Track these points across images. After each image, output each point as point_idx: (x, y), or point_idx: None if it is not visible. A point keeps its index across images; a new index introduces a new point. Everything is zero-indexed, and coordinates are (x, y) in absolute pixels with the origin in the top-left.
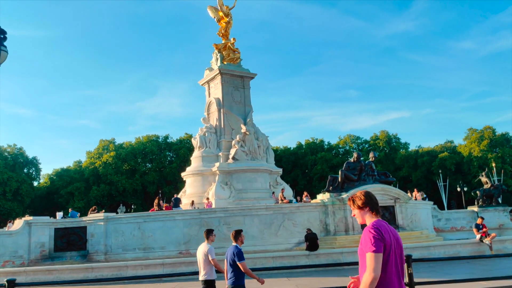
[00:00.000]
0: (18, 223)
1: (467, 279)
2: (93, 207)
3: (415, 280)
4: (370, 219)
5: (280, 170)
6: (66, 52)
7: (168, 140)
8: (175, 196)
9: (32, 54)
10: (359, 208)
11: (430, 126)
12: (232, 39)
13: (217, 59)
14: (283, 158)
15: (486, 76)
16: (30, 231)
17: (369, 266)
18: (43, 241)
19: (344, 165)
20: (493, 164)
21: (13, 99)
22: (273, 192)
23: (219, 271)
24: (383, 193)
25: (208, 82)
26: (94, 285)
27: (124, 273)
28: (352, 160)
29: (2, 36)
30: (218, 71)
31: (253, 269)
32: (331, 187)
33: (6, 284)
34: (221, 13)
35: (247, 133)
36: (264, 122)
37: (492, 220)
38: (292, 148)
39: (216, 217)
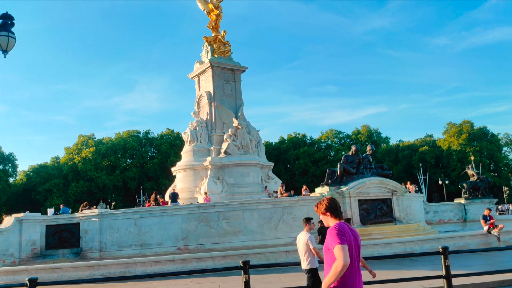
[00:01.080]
0: (8, 220)
1: (498, 271)
2: (85, 203)
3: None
4: (332, 222)
5: (271, 164)
6: (39, 45)
7: (149, 136)
8: (172, 191)
9: None
10: (322, 213)
11: (407, 121)
12: (222, 32)
13: (207, 52)
14: (266, 153)
15: (460, 72)
16: (21, 228)
17: (339, 256)
18: (34, 239)
19: (342, 158)
20: (472, 158)
21: None
22: (266, 187)
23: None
24: (381, 186)
25: (198, 75)
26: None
27: (133, 270)
28: (350, 153)
29: (9, 22)
30: (209, 64)
31: (267, 265)
32: (329, 181)
33: (28, 283)
34: (211, 5)
35: (239, 127)
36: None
37: (478, 212)
38: (274, 143)
39: (215, 211)
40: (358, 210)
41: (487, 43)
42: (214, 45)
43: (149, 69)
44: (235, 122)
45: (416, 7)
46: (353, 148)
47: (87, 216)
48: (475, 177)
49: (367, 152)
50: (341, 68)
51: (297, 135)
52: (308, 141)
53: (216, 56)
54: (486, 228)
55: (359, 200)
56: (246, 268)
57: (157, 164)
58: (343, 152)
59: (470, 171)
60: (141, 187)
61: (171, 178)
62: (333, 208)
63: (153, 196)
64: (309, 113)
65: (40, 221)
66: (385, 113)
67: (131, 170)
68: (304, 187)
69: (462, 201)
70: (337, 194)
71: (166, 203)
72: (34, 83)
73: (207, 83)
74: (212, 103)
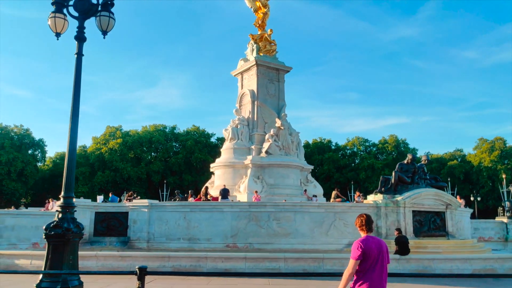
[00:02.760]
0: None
1: None
2: (130, 193)
3: None
4: (362, 235)
5: (311, 168)
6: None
7: (175, 131)
8: (223, 186)
9: (30, 36)
10: (359, 226)
11: (428, 133)
12: (269, 30)
13: (252, 50)
14: None
15: (487, 87)
16: None
17: (348, 266)
18: (84, 225)
19: (397, 166)
20: (504, 176)
21: (10, 80)
22: (305, 190)
23: None
24: (436, 198)
25: (241, 73)
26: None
27: (204, 264)
28: (405, 161)
29: (110, 2)
30: (254, 62)
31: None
32: (383, 188)
33: (138, 271)
34: (258, 3)
35: (282, 127)
36: None
37: None
38: None
39: (266, 211)
40: (412, 222)
41: None
42: (260, 43)
43: (172, 65)
44: (278, 123)
45: (446, 18)
46: (409, 156)
47: (137, 206)
48: None
49: (422, 162)
50: (365, 76)
51: (322, 140)
52: (333, 147)
53: (261, 54)
54: None
55: (413, 211)
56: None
57: (181, 159)
58: (368, 161)
59: None
60: (165, 181)
61: (194, 174)
62: (367, 223)
63: (203, 191)
64: (329, 120)
65: (90, 208)
66: (407, 124)
67: (156, 163)
68: (357, 193)
69: (504, 219)
70: (392, 203)
71: (216, 199)
72: (60, 73)
73: (250, 81)
74: (255, 102)
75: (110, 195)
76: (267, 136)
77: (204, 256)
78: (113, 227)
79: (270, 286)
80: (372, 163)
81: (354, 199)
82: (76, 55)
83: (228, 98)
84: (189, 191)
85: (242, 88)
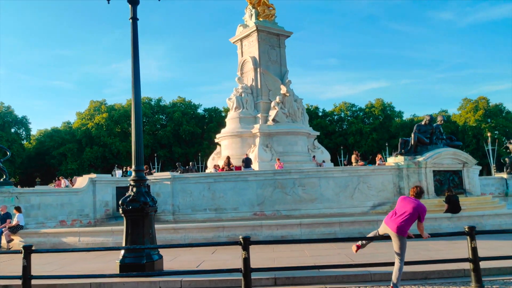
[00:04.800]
0: (81, 181)
1: None
2: (144, 166)
3: None
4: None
5: (317, 134)
6: (37, 10)
7: (160, 103)
8: (246, 156)
9: (1, 11)
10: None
11: (410, 96)
12: None
13: (251, 15)
14: None
15: (464, 48)
16: (95, 189)
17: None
18: (107, 200)
19: (415, 127)
20: (488, 134)
21: None
22: (314, 156)
23: None
24: (454, 157)
25: (241, 39)
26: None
27: (259, 232)
28: (423, 123)
29: None
30: (254, 28)
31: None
32: (403, 150)
33: (242, 241)
34: None
35: (287, 94)
36: None
37: None
38: None
39: (291, 178)
40: (433, 181)
41: (492, 19)
42: (258, 8)
43: (148, 36)
44: (283, 89)
45: None
46: (427, 117)
47: (159, 179)
48: None
49: (438, 122)
50: (343, 41)
51: (310, 107)
52: (320, 113)
53: (261, 19)
54: None
55: (433, 171)
56: None
57: (169, 132)
58: (356, 126)
59: (511, 146)
60: (155, 155)
61: (184, 147)
62: (413, 193)
63: (226, 160)
64: (310, 86)
65: (111, 183)
66: (387, 87)
67: (144, 137)
68: (379, 156)
69: (504, 175)
70: (413, 164)
71: (239, 168)
72: (31, 48)
73: (251, 48)
74: (258, 69)
75: (128, 169)
76: (273, 104)
77: (259, 224)
78: None
79: (338, 250)
80: (360, 127)
81: (351, 162)
82: (131, 20)
83: (211, 67)
84: (224, 161)
85: (242, 55)
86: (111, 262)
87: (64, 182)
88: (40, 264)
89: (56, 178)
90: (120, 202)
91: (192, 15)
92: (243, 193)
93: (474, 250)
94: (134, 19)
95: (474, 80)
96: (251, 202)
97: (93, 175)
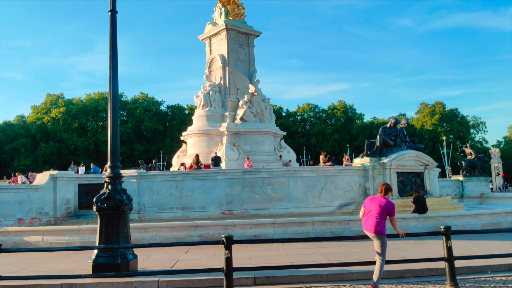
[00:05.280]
0: (41, 177)
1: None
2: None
3: None
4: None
5: (283, 134)
6: None
7: (122, 99)
8: (215, 154)
9: None
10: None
11: (370, 98)
12: None
13: (220, 13)
14: None
15: (421, 54)
16: (56, 186)
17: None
18: (68, 198)
19: (380, 130)
20: (444, 138)
21: None
22: (280, 156)
23: None
24: (417, 159)
25: (210, 37)
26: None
27: (232, 231)
28: (388, 125)
29: None
30: (224, 26)
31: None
32: (368, 152)
33: (225, 240)
34: None
35: (255, 93)
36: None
37: (474, 189)
38: None
39: (260, 177)
40: (397, 182)
41: (448, 28)
42: (228, 7)
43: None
44: (252, 89)
45: None
46: (392, 120)
47: (124, 176)
48: (473, 156)
49: (402, 125)
50: (307, 42)
51: (274, 107)
52: (284, 114)
53: (230, 18)
54: None
55: (397, 172)
56: None
57: (130, 128)
58: (319, 127)
59: (468, 150)
60: None
61: (145, 144)
62: (382, 190)
63: (194, 159)
64: (273, 86)
65: (73, 180)
66: (348, 90)
67: (103, 133)
68: (346, 157)
69: (460, 178)
70: (378, 165)
71: (208, 166)
72: None
73: (220, 46)
74: (226, 68)
75: (91, 166)
76: (241, 103)
77: (232, 224)
78: None
79: (312, 250)
80: (323, 128)
81: (322, 162)
82: (110, 12)
83: (175, 64)
84: (193, 159)
85: (211, 53)
86: (80, 262)
87: (21, 178)
88: (3, 264)
89: (12, 174)
90: (94, 200)
91: (156, 10)
92: (212, 191)
93: (449, 249)
94: (113, 12)
95: (430, 85)
96: (219, 201)
97: (54, 172)
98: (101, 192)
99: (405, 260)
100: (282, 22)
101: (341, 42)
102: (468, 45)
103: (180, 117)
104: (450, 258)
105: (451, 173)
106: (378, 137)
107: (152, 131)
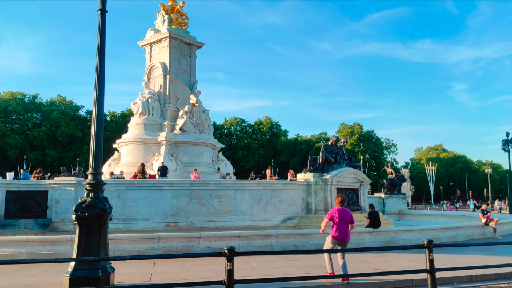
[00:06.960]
0: None
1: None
2: (38, 169)
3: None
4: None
5: (222, 146)
6: None
7: (36, 101)
8: (161, 164)
9: None
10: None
11: (290, 116)
12: (181, 2)
13: (163, 20)
14: None
15: (338, 77)
16: None
17: (322, 223)
18: None
19: (322, 147)
20: (361, 157)
21: None
22: (218, 168)
23: None
24: (354, 176)
25: (150, 44)
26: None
27: (197, 244)
28: (330, 143)
29: None
30: (167, 34)
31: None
32: (311, 167)
33: (227, 252)
34: None
35: (196, 104)
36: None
37: (394, 206)
38: None
39: (208, 189)
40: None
41: (363, 55)
42: (171, 15)
43: (19, 25)
44: (193, 99)
45: (308, 9)
46: (333, 138)
47: (60, 184)
48: (393, 175)
49: (341, 143)
50: (231, 57)
51: None
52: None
53: (174, 27)
54: (483, 220)
55: (337, 188)
56: None
57: (44, 132)
58: (245, 141)
59: (389, 169)
60: (24, 157)
61: (60, 150)
62: (340, 201)
63: (140, 168)
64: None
65: (1, 186)
66: (269, 106)
67: (12, 136)
68: (291, 171)
69: (382, 195)
70: (321, 181)
71: (153, 177)
72: None
73: (161, 54)
74: (167, 76)
75: (21, 171)
76: (181, 113)
77: (198, 236)
78: (29, 208)
79: (284, 262)
80: (249, 143)
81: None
82: (99, 11)
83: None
84: (138, 168)
85: (151, 60)
86: (43, 275)
87: None
88: None
89: None
90: (74, 208)
91: (75, 9)
92: (157, 203)
93: (431, 262)
94: (103, 11)
95: (346, 106)
96: (164, 212)
97: None
98: (81, 199)
99: (385, 272)
100: (208, 35)
101: (264, 59)
102: (379, 72)
103: None
104: (432, 270)
105: (370, 191)
106: (320, 154)
107: (68, 137)
